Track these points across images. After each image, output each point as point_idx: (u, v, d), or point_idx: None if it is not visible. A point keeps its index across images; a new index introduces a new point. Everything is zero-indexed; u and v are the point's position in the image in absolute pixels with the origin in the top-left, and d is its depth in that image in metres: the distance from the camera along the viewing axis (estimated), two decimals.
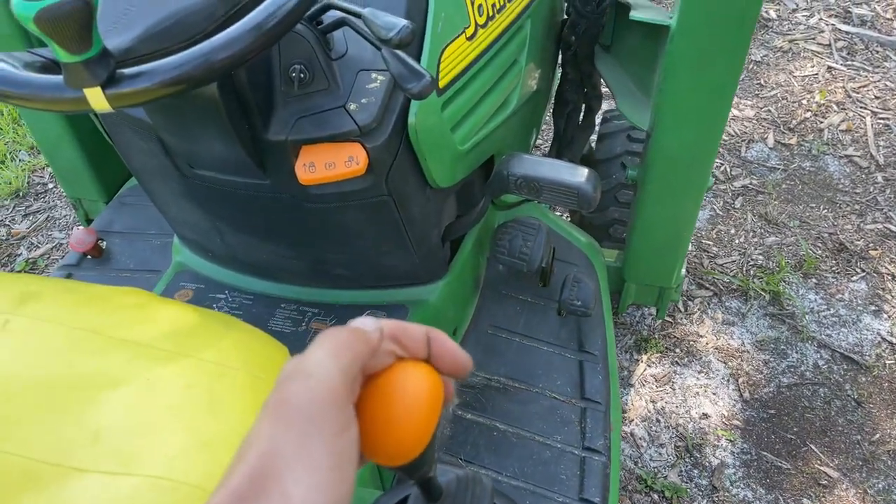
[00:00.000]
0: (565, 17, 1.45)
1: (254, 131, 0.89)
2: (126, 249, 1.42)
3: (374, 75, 0.91)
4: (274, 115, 0.90)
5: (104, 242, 1.42)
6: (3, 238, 2.28)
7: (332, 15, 0.87)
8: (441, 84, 0.98)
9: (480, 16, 1.05)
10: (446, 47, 0.98)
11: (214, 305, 1.19)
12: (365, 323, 0.40)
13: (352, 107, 0.90)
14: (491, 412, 1.21)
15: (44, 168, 2.48)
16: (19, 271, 2.15)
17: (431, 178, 1.03)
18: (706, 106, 1.04)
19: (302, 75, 0.88)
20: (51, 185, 2.42)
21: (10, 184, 2.39)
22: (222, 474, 0.36)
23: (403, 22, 0.76)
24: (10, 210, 2.36)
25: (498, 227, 1.35)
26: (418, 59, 0.95)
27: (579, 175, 1.05)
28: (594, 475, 1.12)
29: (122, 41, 0.70)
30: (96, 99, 0.60)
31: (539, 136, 2.39)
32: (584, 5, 1.30)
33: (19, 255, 2.22)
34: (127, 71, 0.61)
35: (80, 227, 1.43)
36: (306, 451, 0.34)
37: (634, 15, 1.11)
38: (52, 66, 0.66)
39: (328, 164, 0.91)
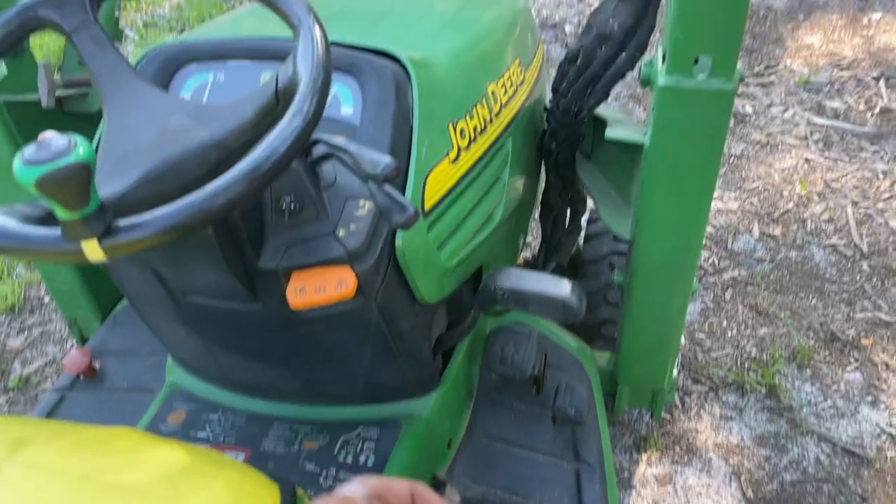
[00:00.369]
0: (546, 126, 1.51)
1: (245, 261, 0.92)
2: (120, 369, 1.43)
3: (361, 202, 0.95)
4: (265, 245, 0.93)
5: (98, 363, 1.43)
6: None
7: (321, 147, 0.91)
8: (427, 207, 1.02)
9: (463, 139, 1.10)
10: (431, 171, 1.02)
11: (207, 426, 1.19)
12: (352, 490, 0.41)
13: (341, 233, 0.93)
14: None
15: (40, 283, 2.50)
16: (12, 388, 2.14)
17: (420, 295, 1.05)
18: (683, 217, 1.08)
19: (293, 206, 0.91)
20: (46, 300, 2.44)
21: (6, 299, 2.41)
22: None
23: (387, 159, 0.80)
24: (5, 325, 2.37)
25: (489, 336, 1.36)
26: (404, 184, 0.99)
27: (564, 288, 1.07)
28: None
29: (118, 188, 0.73)
30: (93, 251, 0.62)
31: (528, 235, 2.44)
32: (563, 116, 1.35)
33: (13, 371, 2.21)
34: (122, 222, 0.64)
35: (75, 349, 1.44)
36: None
37: (609, 134, 1.17)
38: (49, 217, 0.68)
39: (318, 289, 0.93)
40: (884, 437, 1.85)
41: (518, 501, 1.22)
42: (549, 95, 1.44)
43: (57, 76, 1.33)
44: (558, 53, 3.53)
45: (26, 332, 2.33)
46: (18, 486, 0.63)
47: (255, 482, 0.69)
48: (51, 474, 0.64)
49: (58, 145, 0.55)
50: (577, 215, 1.71)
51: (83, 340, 1.63)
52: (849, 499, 1.73)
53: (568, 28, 3.77)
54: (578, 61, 1.23)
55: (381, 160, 0.80)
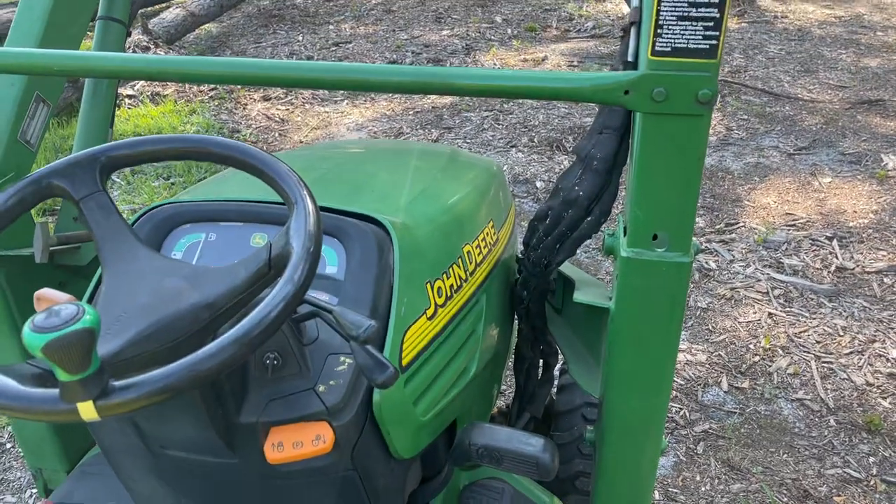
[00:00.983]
0: (518, 275, 1.58)
1: (227, 415, 0.94)
2: None
3: (342, 358, 0.99)
4: (247, 399, 0.95)
5: None
6: None
7: (306, 307, 0.96)
8: (404, 362, 1.06)
9: (440, 297, 1.16)
10: (409, 328, 1.07)
11: None
12: None
13: (321, 388, 0.96)
14: None
15: (3, 427, 2.45)
16: None
17: (395, 449, 1.07)
18: (650, 377, 1.12)
19: (275, 362, 0.95)
20: (9, 445, 2.38)
21: None
22: None
23: (369, 322, 0.85)
24: None
25: (462, 492, 1.36)
26: (383, 340, 1.03)
27: (537, 445, 1.10)
28: None
29: (113, 346, 0.77)
30: (87, 411, 0.65)
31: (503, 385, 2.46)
32: (533, 267, 1.43)
33: None
34: (118, 383, 0.67)
35: (40, 501, 1.40)
36: None
37: (577, 297, 1.24)
38: (46, 377, 0.71)
39: (296, 444, 0.95)
40: None
41: None
42: (520, 248, 1.52)
43: (51, 233, 1.39)
44: (530, 207, 3.71)
45: None
46: None
47: None
48: None
49: (67, 313, 0.59)
50: (549, 367, 1.75)
51: (47, 492, 1.59)
52: None
53: (539, 184, 3.98)
54: (547, 221, 1.32)
55: (364, 322, 0.85)
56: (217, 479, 1.04)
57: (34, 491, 1.73)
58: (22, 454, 2.09)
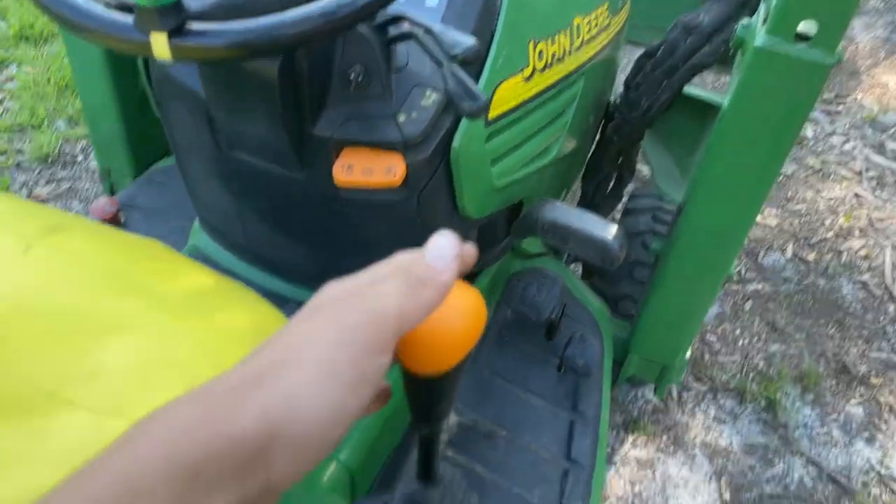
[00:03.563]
0: (611, 111, 1.48)
1: (302, 123, 0.91)
2: (143, 227, 1.42)
3: (428, 92, 0.93)
4: (324, 111, 0.91)
5: (124, 216, 1.43)
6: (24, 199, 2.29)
7: (400, 28, 0.89)
8: (491, 116, 1.00)
9: (540, 60, 1.07)
10: (502, 82, 1.00)
11: None
12: (443, 258, 0.41)
13: (401, 118, 0.91)
14: (472, 454, 1.18)
15: (77, 140, 2.51)
16: None
17: (462, 205, 1.03)
18: (745, 185, 1.05)
19: (360, 78, 0.89)
20: (80, 158, 2.45)
21: (42, 148, 2.42)
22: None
23: (471, 40, 0.78)
24: (35, 173, 2.38)
25: (514, 273, 1.35)
26: (479, 75, 0.96)
27: (608, 231, 1.05)
28: None
29: (199, 4, 0.72)
30: (160, 46, 0.62)
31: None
32: (629, 110, 1.33)
33: None
34: (195, 26, 0.63)
35: (104, 196, 1.43)
36: (332, 362, 0.35)
37: (689, 90, 1.14)
38: (124, 5, 0.67)
39: (366, 170, 0.92)
40: (872, 473, 1.83)
41: (507, 437, 1.21)
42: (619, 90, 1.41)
43: None
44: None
45: (55, 184, 2.34)
46: (44, 265, 0.62)
47: (277, 319, 0.68)
48: (79, 262, 0.63)
49: None
50: (621, 182, 1.68)
51: (113, 193, 1.63)
52: None
53: None
54: (658, 54, 1.20)
55: (465, 41, 0.78)
56: (281, 194, 1.03)
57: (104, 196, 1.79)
58: (94, 160, 2.15)
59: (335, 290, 0.41)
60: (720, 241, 1.12)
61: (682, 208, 1.17)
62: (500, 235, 1.25)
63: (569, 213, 1.08)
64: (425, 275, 0.40)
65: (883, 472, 1.83)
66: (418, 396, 0.47)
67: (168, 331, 0.59)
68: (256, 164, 1.00)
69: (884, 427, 1.94)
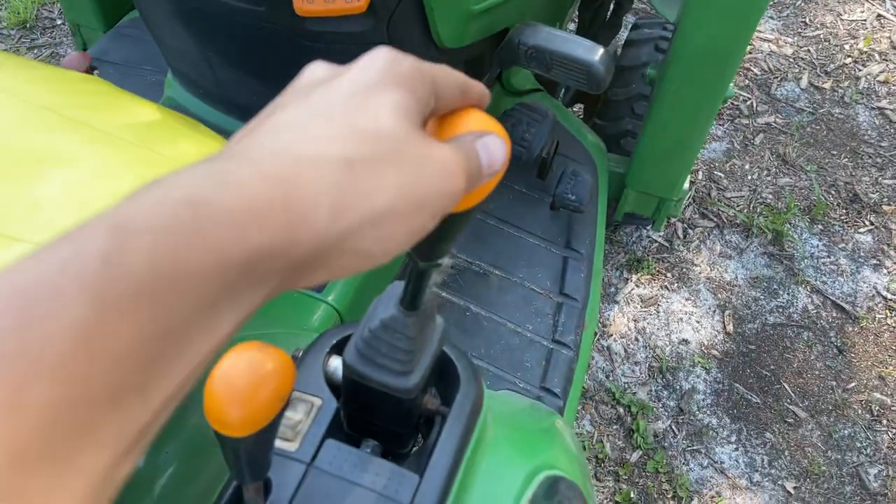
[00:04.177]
0: None
1: None
2: (118, 81, 1.36)
3: None
4: None
5: (97, 71, 1.37)
6: None
7: None
8: None
9: None
10: None
11: None
12: (494, 164, 0.34)
13: None
14: (465, 294, 1.18)
15: (54, 2, 2.40)
16: None
17: (437, 33, 0.97)
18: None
19: None
20: (59, 22, 2.35)
21: (19, 14, 2.32)
22: None
23: None
24: (15, 41, 2.29)
25: (504, 111, 1.29)
26: None
27: (593, 53, 0.99)
28: (559, 368, 1.11)
29: None
30: None
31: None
32: None
33: None
34: None
35: (76, 52, 1.37)
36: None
37: None
38: None
39: None
40: (878, 299, 1.83)
41: (500, 276, 1.21)
42: None
43: None
44: None
45: (36, 51, 2.27)
46: None
47: None
48: (12, 99, 0.60)
49: None
50: (620, 9, 1.58)
51: (85, 49, 1.57)
52: (826, 348, 1.74)
53: None
54: None
55: None
56: (245, 32, 0.97)
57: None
58: (65, 17, 2.06)
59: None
60: (716, 60, 1.05)
61: (675, 27, 1.09)
62: (486, 70, 1.18)
63: (553, 36, 1.01)
64: (475, 172, 0.32)
65: (889, 296, 1.83)
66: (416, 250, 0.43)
67: (109, 162, 0.57)
68: (216, 0, 0.93)
69: (893, 253, 1.92)
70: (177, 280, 0.21)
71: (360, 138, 0.28)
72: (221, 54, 1.05)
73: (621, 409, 1.63)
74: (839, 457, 1.58)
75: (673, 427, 1.61)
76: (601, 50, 0.99)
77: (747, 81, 2.39)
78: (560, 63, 1.00)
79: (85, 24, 1.50)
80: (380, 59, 0.31)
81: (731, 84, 1.17)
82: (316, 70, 0.33)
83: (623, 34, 1.91)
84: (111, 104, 0.63)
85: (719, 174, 2.11)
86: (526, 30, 1.03)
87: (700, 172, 2.10)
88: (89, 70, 1.34)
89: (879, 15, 2.59)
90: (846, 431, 1.61)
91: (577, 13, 1.60)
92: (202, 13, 0.97)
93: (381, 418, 0.56)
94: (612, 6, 1.56)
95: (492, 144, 0.35)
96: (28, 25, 2.33)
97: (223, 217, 0.23)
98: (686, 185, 1.40)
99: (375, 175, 0.27)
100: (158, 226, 0.22)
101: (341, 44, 0.95)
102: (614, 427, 1.61)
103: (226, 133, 1.18)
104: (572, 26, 1.94)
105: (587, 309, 1.20)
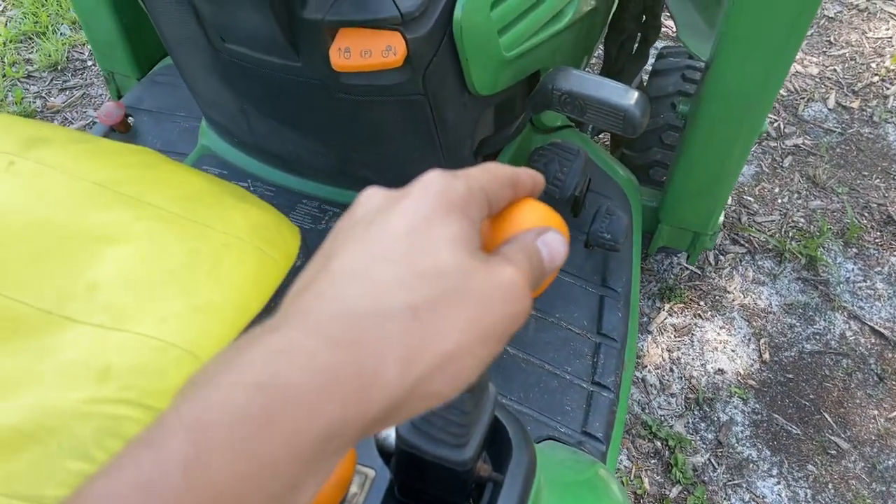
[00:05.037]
0: None
1: (290, 6, 0.84)
2: (153, 129, 1.39)
3: None
4: None
5: (132, 119, 1.40)
6: (39, 110, 2.27)
7: None
8: None
9: None
10: None
11: None
12: (555, 260, 0.35)
13: None
14: None
15: (84, 45, 2.45)
16: None
17: (471, 82, 0.97)
18: (775, 38, 0.96)
19: None
20: (90, 63, 2.39)
21: (50, 56, 2.37)
22: (212, 341, 0.32)
23: None
24: (47, 83, 2.34)
25: (535, 150, 1.29)
26: None
27: (628, 97, 0.99)
28: (600, 411, 1.09)
29: None
30: None
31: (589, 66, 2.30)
32: None
33: None
34: None
35: (110, 101, 1.40)
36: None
37: None
38: None
39: (364, 52, 0.86)
40: None
41: (536, 315, 1.20)
42: None
43: None
44: None
45: (68, 93, 2.31)
46: (30, 181, 0.60)
47: (279, 221, 0.66)
48: (64, 175, 0.61)
49: None
50: (646, 42, 1.57)
51: (119, 96, 1.59)
52: (866, 376, 1.71)
53: None
54: None
55: None
56: (280, 85, 0.98)
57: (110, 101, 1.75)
58: (98, 66, 2.10)
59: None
60: (750, 100, 1.05)
61: (708, 66, 1.09)
62: (518, 111, 1.18)
63: (586, 81, 1.01)
64: (537, 268, 0.33)
65: None
66: None
67: (160, 239, 0.57)
68: (251, 56, 0.94)
69: None
70: (254, 476, 0.22)
71: (423, 281, 0.27)
72: (257, 106, 1.06)
73: (658, 443, 1.61)
74: (884, 489, 1.54)
75: (712, 461, 1.59)
76: (636, 94, 0.99)
77: (774, 103, 2.37)
78: (595, 108, 1.00)
79: (119, 72, 1.52)
80: (432, 187, 0.31)
81: (765, 120, 1.16)
82: (371, 199, 0.32)
83: (649, 62, 1.91)
84: (159, 177, 0.64)
85: (749, 198, 2.09)
86: (558, 75, 1.04)
87: (730, 198, 2.08)
88: (124, 118, 1.37)
89: None
90: (890, 462, 1.58)
91: (602, 46, 1.60)
92: (238, 67, 0.98)
93: (435, 487, 0.56)
94: (638, 38, 1.55)
95: (552, 241, 0.35)
96: (59, 67, 2.37)
97: (295, 396, 0.23)
98: (720, 219, 1.39)
99: (441, 317, 0.27)
100: (233, 418, 0.22)
101: (377, 95, 0.95)
102: (652, 461, 1.59)
103: (263, 181, 1.20)
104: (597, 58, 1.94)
105: (626, 348, 1.19)
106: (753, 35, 0.99)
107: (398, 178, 1.13)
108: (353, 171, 1.14)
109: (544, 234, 0.35)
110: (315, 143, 1.09)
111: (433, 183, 0.31)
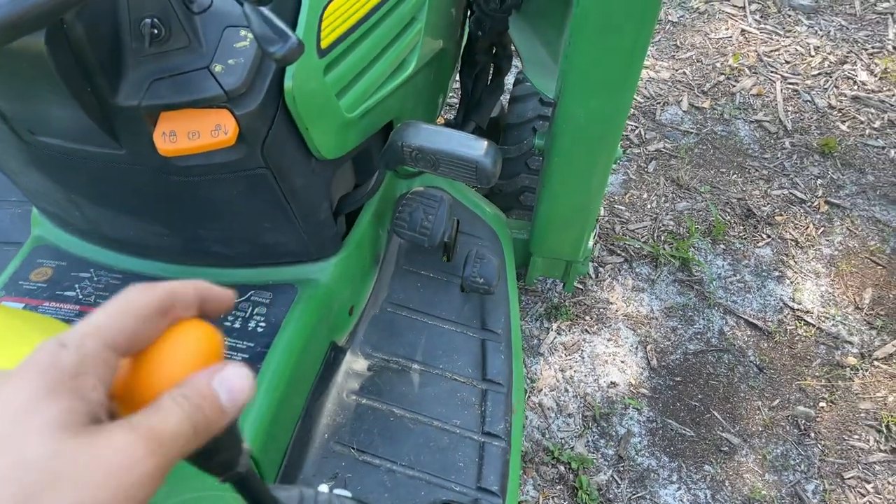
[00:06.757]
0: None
1: (99, 95, 0.77)
2: None
3: (243, 32, 0.80)
4: (124, 77, 0.78)
5: None
6: None
7: None
8: (324, 45, 0.88)
9: None
10: (329, 3, 0.87)
11: (77, 285, 1.07)
12: (234, 398, 0.33)
13: (217, 68, 0.78)
14: (387, 396, 1.14)
15: None
16: None
17: (315, 148, 0.93)
18: (614, 73, 0.97)
19: (155, 31, 0.76)
20: None
21: None
22: None
23: None
24: None
25: (398, 199, 1.26)
26: (296, 17, 0.84)
27: (478, 148, 0.97)
28: (493, 462, 1.07)
29: None
30: None
31: (449, 97, 2.30)
32: (485, 2, 1.23)
33: None
34: None
35: None
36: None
37: None
38: None
39: (192, 134, 0.80)
40: (786, 311, 1.89)
41: (420, 369, 1.17)
42: None
43: None
44: None
45: None
46: None
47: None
48: None
49: None
50: (500, 73, 1.58)
51: None
52: (746, 368, 1.78)
53: None
54: None
55: None
56: (106, 175, 0.90)
57: None
58: None
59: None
60: (599, 132, 1.06)
61: (556, 103, 1.09)
62: (376, 165, 1.15)
63: (434, 135, 0.99)
64: (210, 412, 0.32)
65: (795, 306, 1.89)
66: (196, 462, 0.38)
67: None
68: (67, 147, 0.86)
69: (791, 263, 1.99)
70: None
71: (9, 479, 0.26)
72: (85, 196, 0.98)
73: (562, 467, 1.61)
74: (776, 478, 1.60)
75: (615, 476, 1.60)
76: (486, 144, 0.98)
77: (633, 110, 2.45)
78: (446, 161, 0.98)
79: None
80: (33, 367, 0.29)
81: (618, 146, 1.18)
82: None
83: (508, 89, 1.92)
84: None
85: (620, 207, 2.14)
86: (407, 130, 1.01)
87: (602, 208, 2.12)
88: None
89: (743, 30, 2.71)
90: (779, 451, 1.64)
91: (457, 80, 1.59)
92: (58, 160, 0.90)
93: None
94: (491, 70, 1.55)
95: (232, 378, 0.34)
96: None
97: None
98: (590, 244, 1.41)
99: None
100: None
101: (216, 174, 0.89)
102: (558, 487, 1.59)
103: (107, 269, 1.11)
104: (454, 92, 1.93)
105: (513, 390, 1.17)
106: (593, 72, 0.99)
107: (254, 249, 1.07)
108: (204, 247, 1.07)
109: (221, 371, 0.33)
110: (156, 227, 1.01)
111: (36, 362, 0.30)
